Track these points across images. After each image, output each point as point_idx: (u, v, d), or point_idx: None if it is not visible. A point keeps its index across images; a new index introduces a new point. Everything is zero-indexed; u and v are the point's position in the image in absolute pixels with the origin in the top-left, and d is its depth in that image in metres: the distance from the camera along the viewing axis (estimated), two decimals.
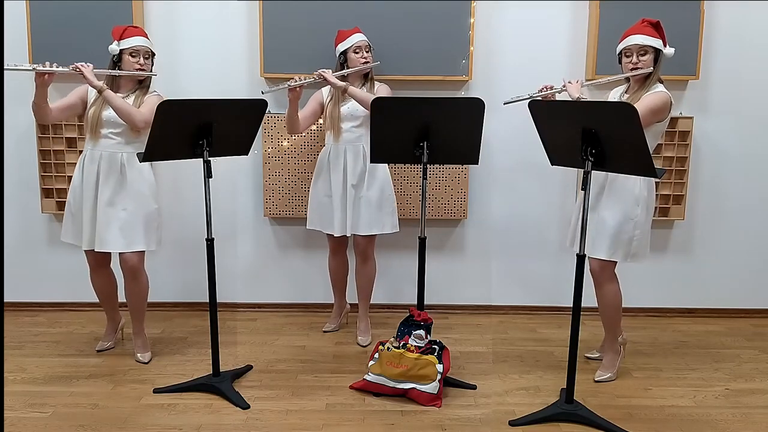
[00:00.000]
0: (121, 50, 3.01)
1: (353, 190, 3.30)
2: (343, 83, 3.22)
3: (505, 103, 3.09)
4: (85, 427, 2.58)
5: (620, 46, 2.93)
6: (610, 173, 2.85)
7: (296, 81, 3.16)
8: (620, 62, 2.97)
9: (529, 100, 2.75)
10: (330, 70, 3.26)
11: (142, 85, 3.10)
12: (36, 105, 2.93)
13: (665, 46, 2.89)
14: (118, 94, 3.00)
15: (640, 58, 2.86)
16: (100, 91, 2.92)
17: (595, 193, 2.92)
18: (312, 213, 3.48)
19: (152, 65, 3.11)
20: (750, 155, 3.82)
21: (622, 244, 2.88)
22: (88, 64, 2.94)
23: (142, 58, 3.03)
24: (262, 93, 3.20)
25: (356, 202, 3.31)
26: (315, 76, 3.21)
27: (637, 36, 2.86)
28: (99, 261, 3.18)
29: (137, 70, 3.03)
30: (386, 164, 3.36)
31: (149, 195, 3.09)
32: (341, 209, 3.33)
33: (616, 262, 2.94)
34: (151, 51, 3.09)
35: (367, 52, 3.31)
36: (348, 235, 3.37)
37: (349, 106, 3.29)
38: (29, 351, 3.33)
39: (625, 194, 2.86)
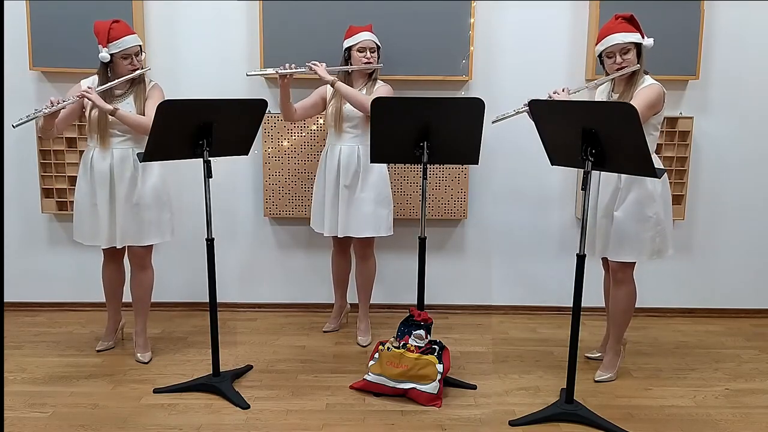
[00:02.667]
0: (111, 54, 2.95)
1: (346, 191, 3.28)
2: (331, 77, 3.20)
3: (493, 122, 2.92)
4: (85, 427, 2.58)
5: (600, 48, 2.87)
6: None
7: (285, 69, 3.16)
8: (601, 63, 2.91)
9: (524, 107, 2.75)
10: (324, 64, 3.23)
11: (138, 80, 3.06)
12: (45, 131, 2.95)
13: (644, 37, 2.83)
14: (117, 91, 3.01)
15: (624, 57, 2.81)
16: (112, 114, 2.90)
17: (609, 194, 2.89)
18: (312, 211, 3.49)
19: (143, 57, 3.06)
20: (750, 155, 3.82)
21: (646, 243, 2.84)
22: (90, 87, 2.91)
23: (134, 60, 2.99)
24: (247, 75, 3.30)
25: (350, 203, 3.29)
26: (306, 68, 3.21)
27: (616, 35, 2.80)
28: (114, 255, 3.22)
29: (132, 71, 2.99)
30: (384, 165, 3.34)
31: (161, 187, 3.11)
32: (332, 209, 3.33)
33: (635, 262, 2.92)
34: (140, 46, 3.03)
35: (372, 52, 3.27)
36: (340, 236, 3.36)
37: (350, 106, 3.28)
38: (29, 351, 3.33)
39: (641, 193, 2.81)
